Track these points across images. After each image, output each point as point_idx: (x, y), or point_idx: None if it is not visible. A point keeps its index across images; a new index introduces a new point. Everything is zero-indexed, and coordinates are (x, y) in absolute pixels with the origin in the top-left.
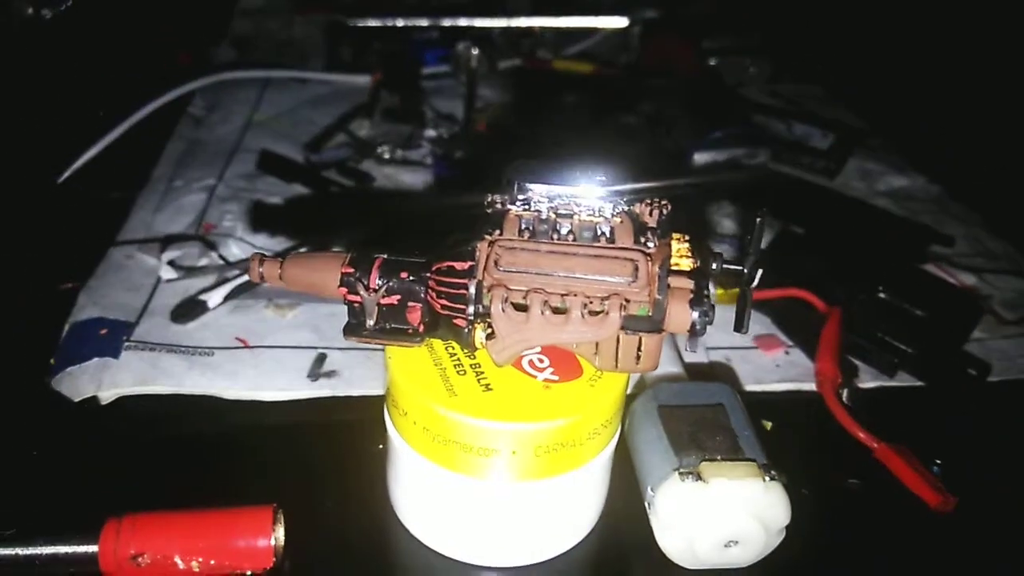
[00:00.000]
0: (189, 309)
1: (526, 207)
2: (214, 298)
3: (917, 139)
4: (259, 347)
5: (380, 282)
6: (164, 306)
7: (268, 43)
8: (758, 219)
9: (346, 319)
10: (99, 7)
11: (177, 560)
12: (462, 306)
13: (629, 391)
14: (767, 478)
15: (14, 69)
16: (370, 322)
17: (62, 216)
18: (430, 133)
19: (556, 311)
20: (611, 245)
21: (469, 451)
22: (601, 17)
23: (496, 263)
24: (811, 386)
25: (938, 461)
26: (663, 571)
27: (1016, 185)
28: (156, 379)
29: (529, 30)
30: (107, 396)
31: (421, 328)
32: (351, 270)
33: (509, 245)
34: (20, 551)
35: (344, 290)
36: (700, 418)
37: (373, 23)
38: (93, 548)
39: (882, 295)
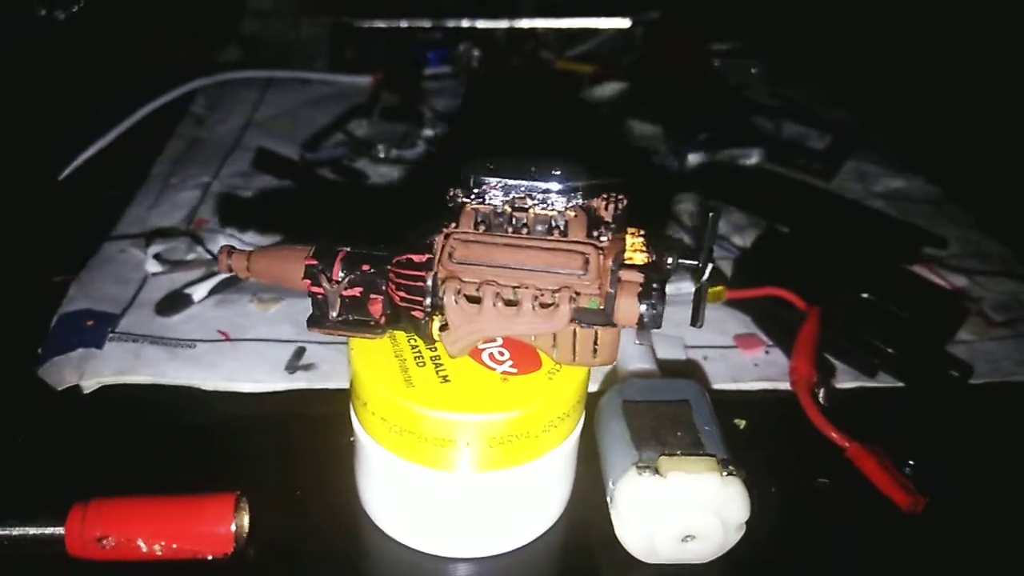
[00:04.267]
0: (174, 302)
1: (483, 201)
2: (199, 292)
3: (917, 140)
4: (240, 340)
5: (343, 274)
6: (151, 299)
7: (274, 44)
8: (711, 213)
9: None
10: (109, 7)
11: (140, 543)
12: (420, 298)
13: (598, 388)
14: (725, 473)
15: (22, 67)
16: (333, 314)
17: (61, 212)
18: (427, 132)
19: (508, 303)
20: (563, 238)
21: (425, 441)
22: (604, 18)
23: (450, 255)
24: (788, 386)
25: (911, 462)
26: (626, 565)
27: (1012, 187)
28: (137, 369)
29: (532, 31)
30: (89, 385)
31: (383, 320)
32: (314, 262)
33: (463, 238)
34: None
35: (308, 282)
36: (664, 414)
37: (378, 24)
38: (60, 530)
39: (864, 295)
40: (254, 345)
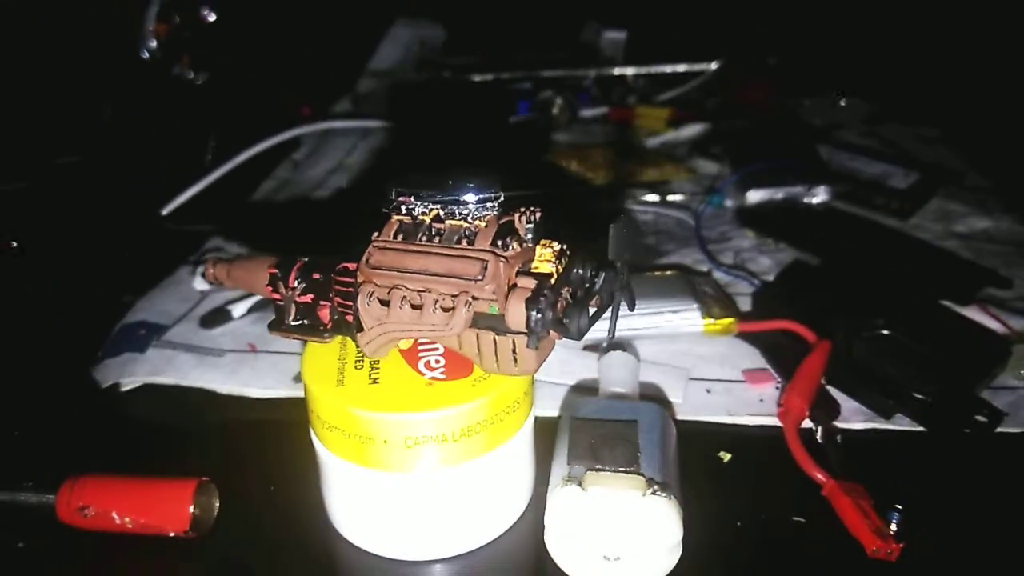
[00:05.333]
0: (216, 317)
1: (406, 213)
2: (239, 309)
3: (1016, 182)
4: (263, 352)
5: (297, 282)
6: (201, 315)
7: (382, 98)
8: (611, 226)
9: None
10: (239, 68)
11: (115, 515)
12: (351, 303)
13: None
14: (649, 492)
15: (154, 119)
16: (289, 319)
17: (162, 242)
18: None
19: (415, 307)
20: (469, 247)
21: (349, 438)
22: (690, 64)
23: (367, 261)
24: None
25: (899, 506)
26: None
27: None
28: (166, 372)
29: (621, 78)
30: (127, 384)
31: (329, 325)
32: (275, 271)
33: (381, 245)
34: (7, 498)
35: (269, 288)
36: (608, 432)
37: (477, 78)
38: (52, 497)
39: (885, 332)
40: (275, 357)
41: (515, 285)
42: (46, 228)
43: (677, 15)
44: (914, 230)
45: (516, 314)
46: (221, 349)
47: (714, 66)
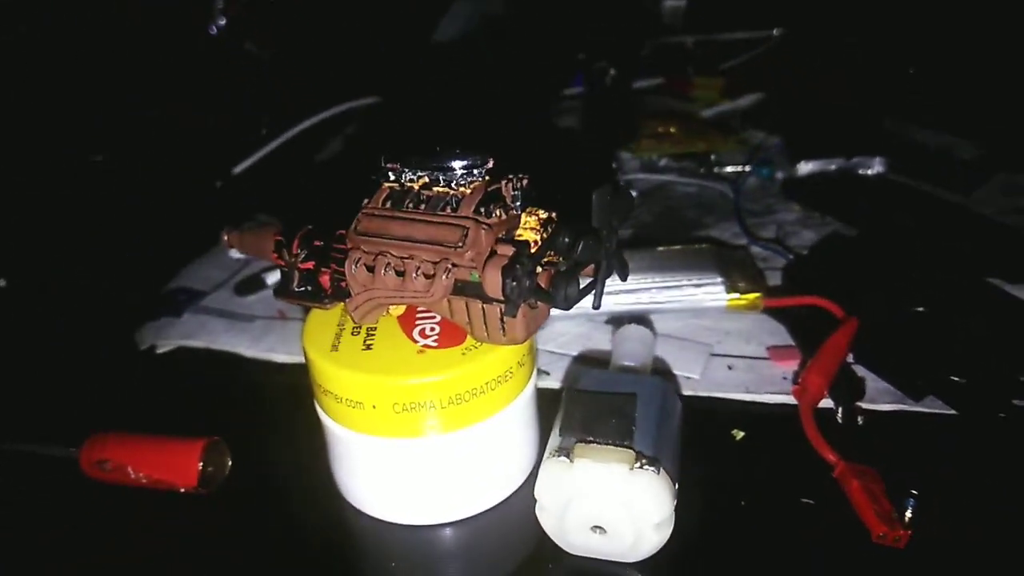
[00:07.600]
0: (250, 285)
1: (394, 180)
2: (272, 277)
3: None
4: (291, 319)
5: (300, 249)
6: (237, 282)
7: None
8: (595, 193)
9: None
10: (302, 44)
11: (130, 470)
12: (343, 269)
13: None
14: (636, 465)
15: (218, 94)
16: (293, 285)
17: (214, 214)
18: None
19: (398, 273)
20: (451, 214)
21: (340, 402)
22: (751, 31)
23: (355, 228)
24: None
25: (914, 492)
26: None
27: None
28: (199, 336)
29: (680, 45)
30: (162, 346)
31: (330, 291)
32: (280, 238)
33: (369, 212)
34: (36, 449)
35: (275, 255)
36: (605, 405)
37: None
38: (75, 451)
39: (920, 309)
40: (301, 324)
41: (494, 252)
42: (114, 197)
43: None
44: (976, 204)
45: (492, 282)
46: (252, 315)
47: (776, 32)
